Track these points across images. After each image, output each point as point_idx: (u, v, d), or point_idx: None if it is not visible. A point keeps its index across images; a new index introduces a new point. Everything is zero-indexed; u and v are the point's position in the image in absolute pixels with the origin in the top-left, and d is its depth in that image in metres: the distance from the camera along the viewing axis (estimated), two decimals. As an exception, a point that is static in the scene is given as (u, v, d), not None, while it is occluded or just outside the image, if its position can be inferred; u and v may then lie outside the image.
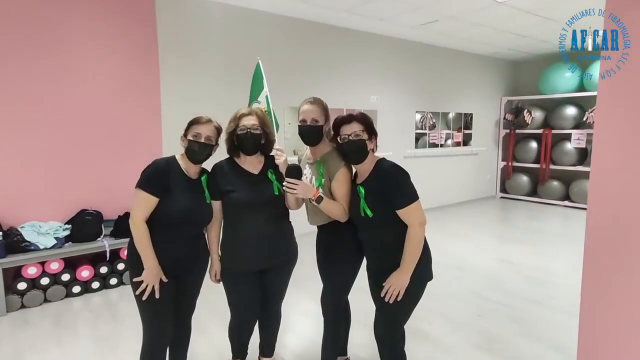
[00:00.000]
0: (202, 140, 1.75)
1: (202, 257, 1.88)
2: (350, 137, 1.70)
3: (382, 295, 1.66)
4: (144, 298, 1.67)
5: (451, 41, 6.11)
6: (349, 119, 1.73)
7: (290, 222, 1.99)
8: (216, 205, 1.85)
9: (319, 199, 1.73)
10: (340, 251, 1.90)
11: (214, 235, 1.89)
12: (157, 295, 1.68)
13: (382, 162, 1.74)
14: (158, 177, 1.69)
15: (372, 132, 1.75)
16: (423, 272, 1.71)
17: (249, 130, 1.79)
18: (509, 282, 3.58)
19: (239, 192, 1.80)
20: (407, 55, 6.12)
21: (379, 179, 1.69)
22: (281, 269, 1.95)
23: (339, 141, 1.74)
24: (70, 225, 3.27)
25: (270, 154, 1.94)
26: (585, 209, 1.73)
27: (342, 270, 1.92)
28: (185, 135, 1.79)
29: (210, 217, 1.84)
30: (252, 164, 1.88)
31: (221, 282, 1.91)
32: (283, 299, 2.06)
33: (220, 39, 4.27)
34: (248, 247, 1.82)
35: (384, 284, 1.67)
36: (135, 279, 1.68)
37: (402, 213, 1.62)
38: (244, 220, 1.81)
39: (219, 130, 1.83)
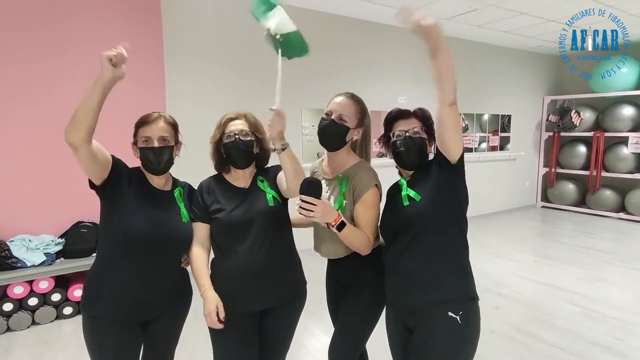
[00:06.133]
0: (155, 144, 1.39)
1: (178, 296, 1.49)
2: (408, 134, 1.38)
3: None
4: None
5: (487, 34, 5.51)
6: (406, 113, 1.43)
7: (297, 251, 1.59)
8: (203, 228, 1.47)
9: (341, 225, 1.32)
10: (360, 293, 1.50)
11: (201, 265, 1.45)
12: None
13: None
14: (119, 168, 1.40)
15: (431, 133, 1.41)
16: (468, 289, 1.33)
17: (236, 136, 1.44)
18: (560, 315, 3.00)
19: (228, 210, 1.44)
20: (438, 51, 5.56)
21: (426, 169, 1.40)
22: (286, 310, 1.53)
23: (392, 138, 1.43)
24: (63, 240, 3.00)
25: (266, 166, 1.58)
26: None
27: (360, 319, 1.50)
28: (135, 142, 1.43)
29: (187, 241, 1.45)
30: (244, 178, 1.52)
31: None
32: (288, 349, 1.63)
33: (231, 33, 3.92)
34: (241, 279, 1.42)
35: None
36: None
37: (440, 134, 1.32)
38: (235, 244, 1.43)
39: (174, 125, 1.46)
